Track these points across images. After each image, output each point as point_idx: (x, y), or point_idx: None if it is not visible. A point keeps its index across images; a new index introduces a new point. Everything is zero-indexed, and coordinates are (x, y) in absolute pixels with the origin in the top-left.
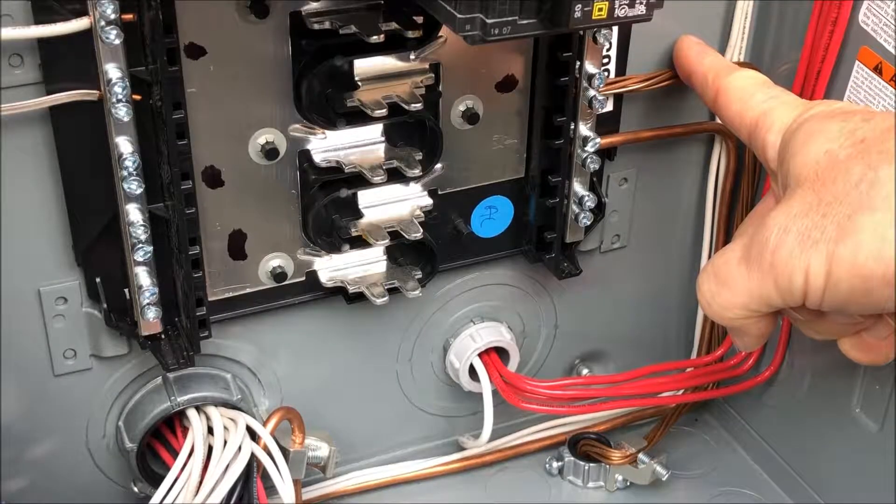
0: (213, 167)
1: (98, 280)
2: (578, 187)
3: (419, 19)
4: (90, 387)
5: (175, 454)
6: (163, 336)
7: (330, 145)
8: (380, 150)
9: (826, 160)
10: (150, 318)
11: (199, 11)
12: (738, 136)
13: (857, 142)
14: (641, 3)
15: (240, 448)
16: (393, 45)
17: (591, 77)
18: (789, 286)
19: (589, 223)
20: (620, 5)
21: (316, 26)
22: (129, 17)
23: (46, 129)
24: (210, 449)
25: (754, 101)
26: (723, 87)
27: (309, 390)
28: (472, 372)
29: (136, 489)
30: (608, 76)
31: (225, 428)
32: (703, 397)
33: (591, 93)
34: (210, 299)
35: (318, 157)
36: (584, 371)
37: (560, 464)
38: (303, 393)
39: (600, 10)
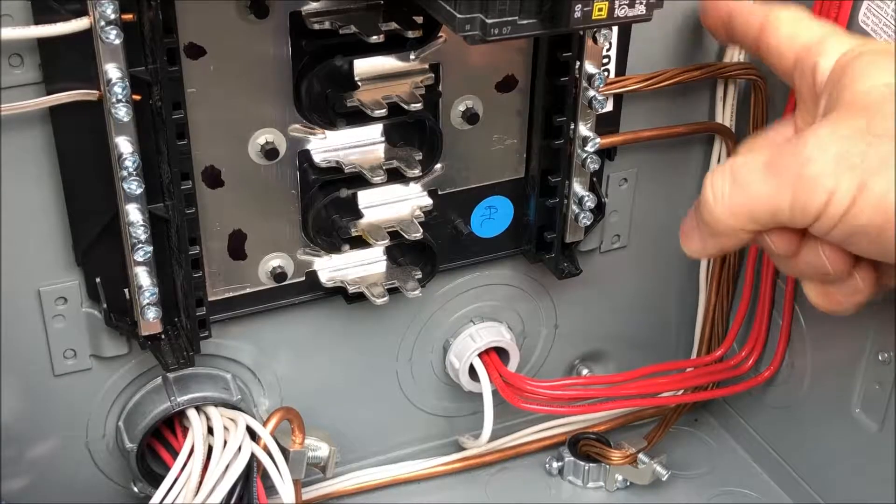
0: (213, 167)
1: (98, 280)
2: (578, 187)
3: (419, 19)
4: (90, 387)
5: (175, 454)
6: (163, 336)
7: (330, 145)
8: (380, 150)
9: (886, 92)
10: (150, 318)
11: (199, 11)
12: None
13: None
14: (641, 3)
15: (240, 448)
16: (393, 45)
17: (590, 77)
18: (807, 202)
19: (589, 223)
20: (620, 5)
21: (316, 26)
22: (129, 17)
23: (46, 129)
24: (210, 449)
25: (809, 25)
26: (773, 15)
27: (309, 390)
28: (472, 372)
29: (136, 489)
30: (608, 76)
31: (225, 428)
32: (703, 397)
33: (591, 93)
34: (210, 299)
35: (317, 157)
36: (584, 371)
37: (560, 464)
38: (303, 393)
39: (600, 10)
